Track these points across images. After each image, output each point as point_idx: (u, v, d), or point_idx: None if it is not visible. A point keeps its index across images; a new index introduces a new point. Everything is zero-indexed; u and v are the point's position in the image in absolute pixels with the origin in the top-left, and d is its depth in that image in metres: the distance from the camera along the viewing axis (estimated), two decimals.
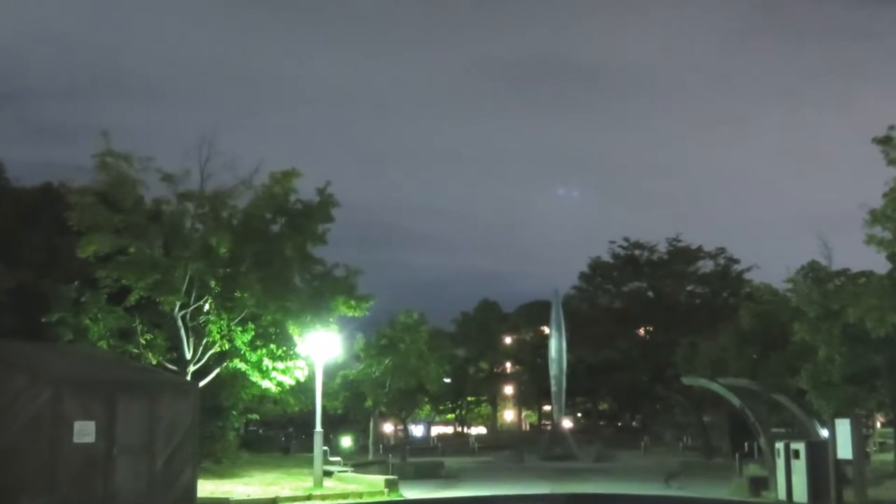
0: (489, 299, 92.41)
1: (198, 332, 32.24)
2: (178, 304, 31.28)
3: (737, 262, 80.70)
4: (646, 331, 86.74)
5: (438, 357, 57.23)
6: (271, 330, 32.65)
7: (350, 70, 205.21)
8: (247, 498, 26.85)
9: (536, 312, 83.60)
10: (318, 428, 31.91)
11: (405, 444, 59.88)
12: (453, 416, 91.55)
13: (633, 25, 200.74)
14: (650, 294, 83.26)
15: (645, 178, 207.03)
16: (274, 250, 32.50)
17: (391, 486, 30.48)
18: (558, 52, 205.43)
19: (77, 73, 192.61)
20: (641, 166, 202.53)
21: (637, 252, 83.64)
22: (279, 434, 66.71)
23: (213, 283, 31.76)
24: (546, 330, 74.87)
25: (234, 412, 39.84)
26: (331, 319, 33.98)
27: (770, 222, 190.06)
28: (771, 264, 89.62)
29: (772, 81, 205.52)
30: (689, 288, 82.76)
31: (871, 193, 28.03)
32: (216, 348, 32.04)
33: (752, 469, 34.56)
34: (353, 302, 34.70)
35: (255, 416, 45.74)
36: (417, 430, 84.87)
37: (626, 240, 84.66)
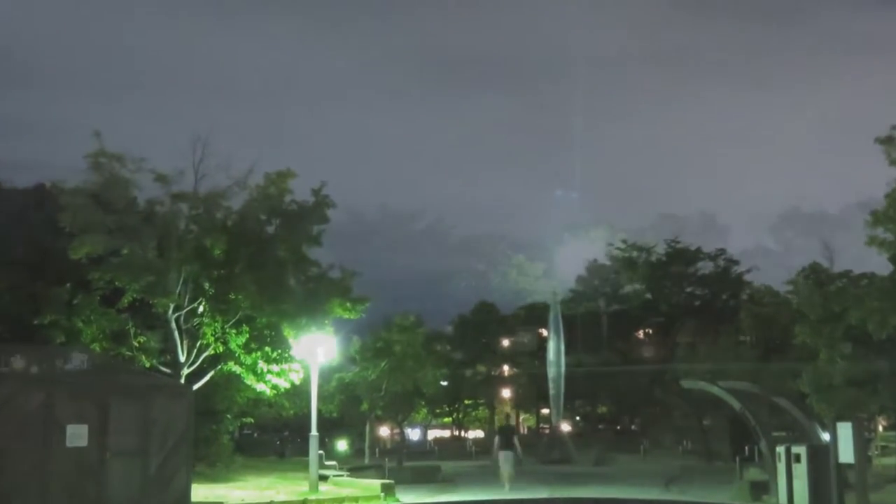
0: (486, 301, 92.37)
1: (192, 335, 32.23)
2: (171, 306, 31.26)
3: (736, 263, 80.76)
4: (645, 333, 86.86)
5: (435, 360, 57.15)
6: (266, 332, 32.61)
7: (342, 67, 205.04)
8: (241, 502, 26.81)
9: (534, 315, 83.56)
10: (314, 431, 31.85)
11: (401, 448, 59.77)
12: (450, 419, 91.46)
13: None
14: (648, 296, 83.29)
15: (644, 176, 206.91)
16: (269, 252, 32.49)
17: (387, 490, 30.43)
18: (569, 44, 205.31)
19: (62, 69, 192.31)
20: (638, 163, 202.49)
21: (635, 254, 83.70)
22: (274, 438, 66.68)
23: (207, 285, 31.76)
24: (544, 332, 74.88)
25: (228, 416, 39.81)
26: (326, 322, 33.95)
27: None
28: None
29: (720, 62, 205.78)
30: (688, 290, 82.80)
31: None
32: (210, 351, 32.02)
33: (753, 473, 34.54)
34: (348, 304, 34.68)
35: (250, 420, 45.70)
36: (414, 434, 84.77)
37: (624, 241, 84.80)
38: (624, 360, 76.99)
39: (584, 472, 47.98)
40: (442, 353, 64.04)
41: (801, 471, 26.56)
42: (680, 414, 66.90)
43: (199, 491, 26.31)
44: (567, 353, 65.77)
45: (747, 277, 78.82)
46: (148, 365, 31.54)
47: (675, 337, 78.10)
